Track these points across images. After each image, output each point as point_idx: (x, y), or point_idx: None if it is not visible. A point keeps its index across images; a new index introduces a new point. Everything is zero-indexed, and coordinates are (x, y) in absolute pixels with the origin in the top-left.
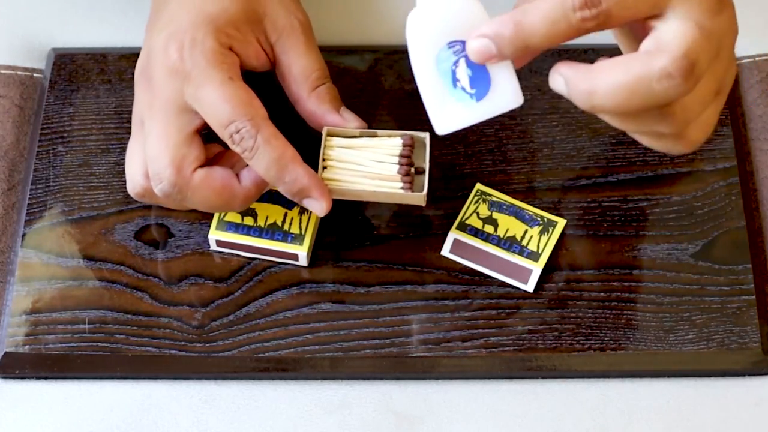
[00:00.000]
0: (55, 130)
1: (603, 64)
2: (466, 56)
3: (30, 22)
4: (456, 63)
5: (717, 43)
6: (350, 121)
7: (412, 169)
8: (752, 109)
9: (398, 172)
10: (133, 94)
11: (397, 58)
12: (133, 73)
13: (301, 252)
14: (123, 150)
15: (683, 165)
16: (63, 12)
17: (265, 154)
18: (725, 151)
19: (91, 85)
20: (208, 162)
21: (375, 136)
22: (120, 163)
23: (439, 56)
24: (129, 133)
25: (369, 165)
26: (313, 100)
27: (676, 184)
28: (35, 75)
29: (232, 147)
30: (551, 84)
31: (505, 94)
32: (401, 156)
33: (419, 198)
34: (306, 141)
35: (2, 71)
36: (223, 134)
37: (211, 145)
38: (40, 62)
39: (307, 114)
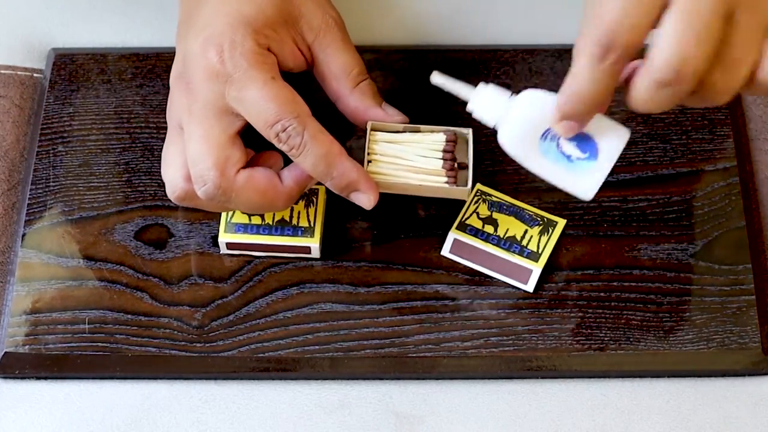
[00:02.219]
0: (55, 130)
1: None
2: (559, 138)
3: (30, 22)
4: (558, 145)
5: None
6: (393, 115)
7: (456, 164)
8: (752, 109)
9: (443, 167)
10: (132, 93)
11: (397, 58)
12: (133, 73)
13: (314, 244)
14: (123, 150)
15: (683, 165)
16: (63, 12)
17: (313, 151)
18: (725, 151)
19: (91, 85)
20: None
21: (418, 131)
22: (120, 163)
23: (541, 150)
24: (129, 133)
25: (413, 159)
26: (356, 95)
27: (676, 184)
28: (35, 75)
29: (279, 146)
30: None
31: (613, 137)
32: (445, 151)
33: (463, 192)
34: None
35: (2, 71)
36: (268, 134)
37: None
38: (40, 62)
39: (350, 110)
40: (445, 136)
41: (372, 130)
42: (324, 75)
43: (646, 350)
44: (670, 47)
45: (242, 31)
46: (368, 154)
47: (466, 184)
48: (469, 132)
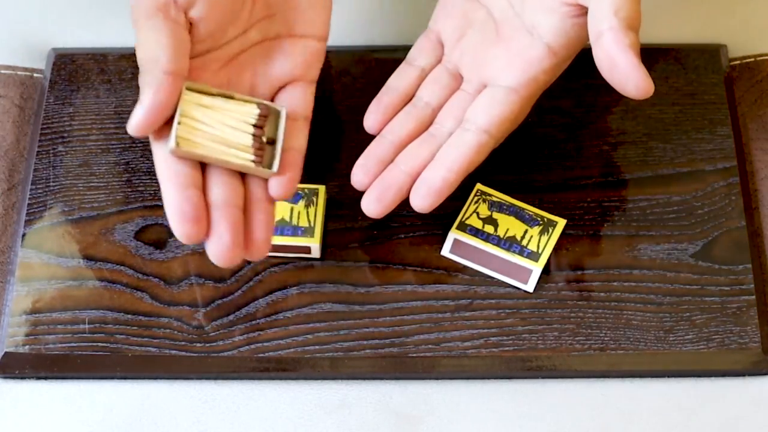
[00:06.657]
0: (55, 130)
1: None
2: None
3: (30, 22)
4: None
5: None
6: None
7: (264, 141)
8: (752, 109)
9: (252, 145)
10: (132, 93)
11: (398, 57)
12: (133, 73)
13: (314, 244)
14: (123, 150)
15: (683, 165)
16: (63, 12)
17: None
18: (725, 151)
19: (91, 85)
20: None
21: (232, 98)
22: (120, 163)
23: None
24: (129, 133)
25: (221, 129)
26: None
27: (676, 184)
28: (35, 75)
29: None
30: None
31: None
32: (256, 126)
33: (268, 174)
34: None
35: (2, 71)
36: None
37: None
38: (40, 62)
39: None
40: (258, 110)
41: (187, 89)
42: None
43: (646, 350)
44: None
45: None
46: (180, 115)
47: (271, 165)
48: (282, 110)
